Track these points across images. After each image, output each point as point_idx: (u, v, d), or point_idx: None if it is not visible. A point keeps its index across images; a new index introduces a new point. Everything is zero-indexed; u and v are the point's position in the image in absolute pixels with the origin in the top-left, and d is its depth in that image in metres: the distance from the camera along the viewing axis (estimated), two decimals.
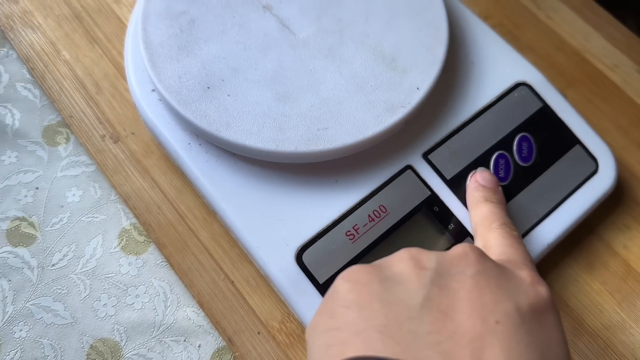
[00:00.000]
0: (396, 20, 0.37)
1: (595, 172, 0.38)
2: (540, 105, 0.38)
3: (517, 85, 0.39)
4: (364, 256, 0.33)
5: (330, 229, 0.34)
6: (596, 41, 0.45)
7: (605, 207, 0.39)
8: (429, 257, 0.25)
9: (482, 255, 0.26)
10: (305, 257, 0.33)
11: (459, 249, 0.26)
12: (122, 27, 0.43)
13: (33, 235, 0.38)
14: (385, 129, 0.34)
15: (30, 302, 0.37)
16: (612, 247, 0.38)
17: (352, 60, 0.36)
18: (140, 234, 0.39)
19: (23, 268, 0.37)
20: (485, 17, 0.45)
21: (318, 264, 0.33)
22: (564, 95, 0.42)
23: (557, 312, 0.25)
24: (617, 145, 0.41)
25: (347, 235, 0.34)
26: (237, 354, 0.34)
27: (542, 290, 0.25)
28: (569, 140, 0.38)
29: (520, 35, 0.45)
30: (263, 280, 0.36)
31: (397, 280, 0.24)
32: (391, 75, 0.35)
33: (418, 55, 0.36)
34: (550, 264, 0.37)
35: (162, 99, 0.35)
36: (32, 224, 0.39)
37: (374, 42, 0.36)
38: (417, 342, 0.21)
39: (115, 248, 0.38)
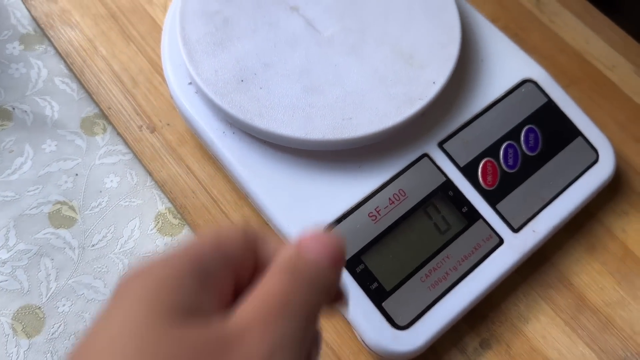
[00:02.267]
0: (413, 21, 0.40)
1: (595, 161, 0.41)
2: (545, 100, 0.42)
3: (524, 81, 0.42)
4: (385, 236, 0.36)
5: (354, 210, 0.37)
6: (596, 43, 0.48)
7: (604, 194, 0.42)
8: None
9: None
10: None
11: None
12: (155, 26, 0.46)
13: (73, 218, 0.41)
14: (405, 120, 0.37)
15: (72, 280, 0.39)
16: (611, 231, 0.41)
17: (373, 56, 0.39)
18: (174, 217, 0.41)
19: (65, 248, 0.40)
20: (492, 20, 0.48)
21: None
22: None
23: None
24: (615, 139, 0.44)
25: (370, 216, 0.37)
26: None
27: None
28: (572, 132, 0.41)
29: (525, 37, 0.48)
30: None
31: None
32: (409, 71, 0.38)
33: (434, 52, 0.39)
34: (554, 245, 0.40)
35: (199, 91, 0.38)
36: (72, 208, 0.42)
37: (393, 40, 0.39)
38: None
39: (151, 230, 0.41)
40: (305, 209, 0.36)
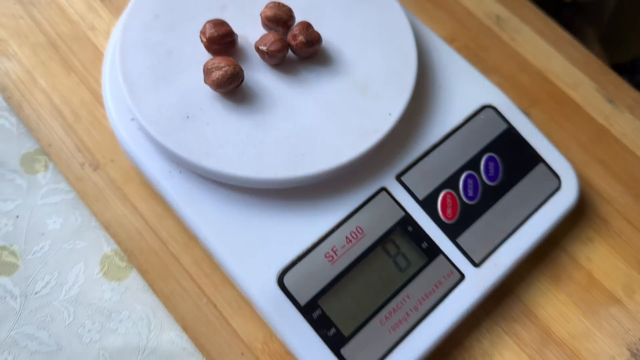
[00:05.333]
0: (367, 48, 0.39)
1: (558, 188, 0.40)
2: (505, 126, 0.40)
3: (483, 107, 0.40)
4: (343, 277, 0.35)
5: (310, 252, 0.35)
6: (557, 61, 0.47)
7: (568, 221, 0.41)
8: None
9: None
10: (287, 280, 0.34)
11: None
12: (98, 54, 0.43)
13: (15, 263, 0.39)
14: (360, 155, 0.35)
15: (15, 331, 0.37)
16: (576, 260, 0.40)
17: (326, 88, 0.37)
18: (122, 260, 0.39)
19: (6, 297, 0.38)
20: (451, 40, 0.47)
21: (299, 287, 0.34)
22: (528, 114, 0.44)
23: None
24: (578, 162, 0.43)
25: (326, 257, 0.35)
26: None
27: None
28: (533, 158, 0.40)
29: (485, 56, 0.47)
30: (245, 302, 0.37)
31: None
32: (364, 102, 0.37)
33: (389, 82, 0.38)
34: (518, 277, 0.39)
35: (142, 129, 0.36)
36: (13, 253, 0.39)
37: (346, 70, 0.38)
38: None
39: (97, 274, 0.39)
40: (257, 252, 0.35)
